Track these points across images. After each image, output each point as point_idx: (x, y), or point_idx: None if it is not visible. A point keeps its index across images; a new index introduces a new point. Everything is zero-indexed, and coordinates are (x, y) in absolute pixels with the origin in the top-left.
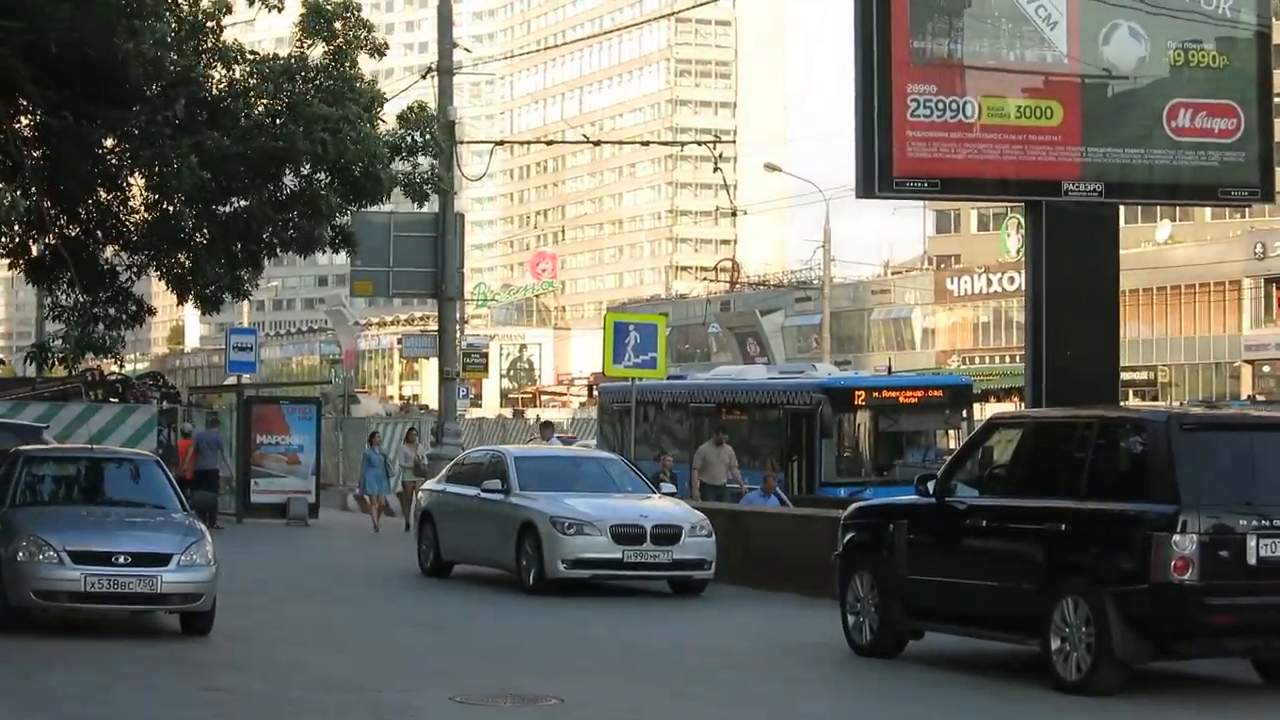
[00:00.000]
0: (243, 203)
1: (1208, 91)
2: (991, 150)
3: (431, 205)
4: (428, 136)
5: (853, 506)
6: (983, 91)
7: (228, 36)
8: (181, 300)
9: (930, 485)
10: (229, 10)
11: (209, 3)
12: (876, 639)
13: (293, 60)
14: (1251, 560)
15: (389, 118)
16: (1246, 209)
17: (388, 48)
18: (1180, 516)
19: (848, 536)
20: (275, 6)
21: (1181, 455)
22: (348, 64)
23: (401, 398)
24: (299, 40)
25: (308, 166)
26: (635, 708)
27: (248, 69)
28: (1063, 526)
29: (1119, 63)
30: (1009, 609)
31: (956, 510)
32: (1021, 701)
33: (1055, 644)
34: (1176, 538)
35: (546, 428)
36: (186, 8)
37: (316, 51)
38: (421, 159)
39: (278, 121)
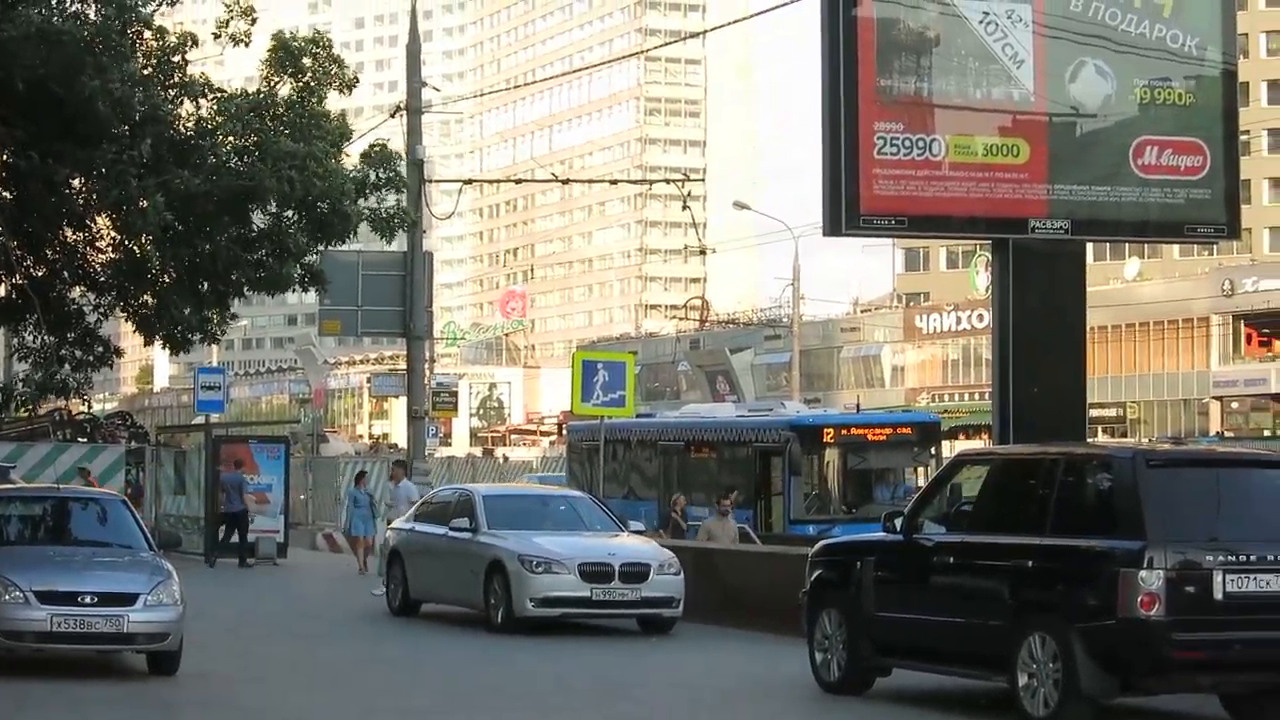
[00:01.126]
0: (210, 244)
1: (1175, 129)
2: (959, 188)
3: (400, 244)
4: (391, 174)
5: (820, 544)
6: (950, 130)
7: (194, 71)
8: (148, 341)
9: (898, 522)
10: (196, 44)
11: (175, 38)
12: (844, 676)
13: (260, 96)
14: (1218, 596)
15: (355, 154)
16: (1214, 246)
17: (358, 81)
18: (1147, 553)
19: (815, 574)
20: (242, 41)
21: (1148, 492)
22: (315, 100)
23: (371, 437)
24: (266, 76)
25: (275, 204)
26: None
27: (215, 106)
28: (1030, 563)
29: (1086, 101)
30: (976, 645)
31: (924, 547)
32: None
33: (1023, 680)
34: (1143, 574)
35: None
36: (154, 45)
37: (285, 89)
38: (388, 196)
39: (245, 159)
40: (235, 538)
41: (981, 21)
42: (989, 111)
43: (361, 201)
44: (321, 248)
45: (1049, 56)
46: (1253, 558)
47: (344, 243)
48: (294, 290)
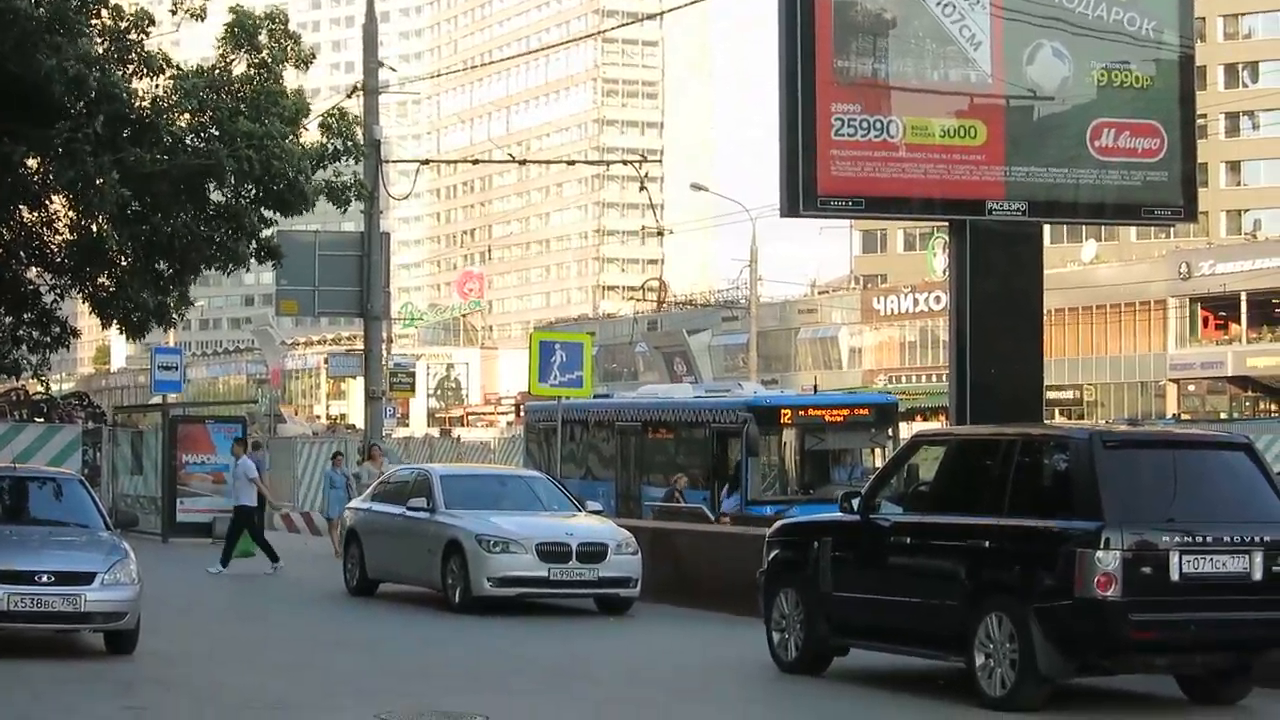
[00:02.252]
0: (166, 221)
1: (1131, 112)
2: (916, 170)
3: (357, 224)
4: (350, 143)
5: (777, 524)
6: (907, 111)
7: (150, 46)
8: (105, 325)
9: (854, 502)
10: (152, 22)
11: (131, 16)
12: (801, 656)
13: (216, 73)
14: (1174, 576)
15: (312, 130)
16: (1171, 230)
17: (315, 57)
18: (1104, 533)
19: (772, 554)
20: (197, 15)
21: (1105, 472)
22: (271, 77)
23: (328, 417)
24: (223, 53)
25: (232, 182)
26: None
27: (170, 83)
28: (986, 543)
29: (1043, 83)
30: (933, 625)
31: (881, 527)
32: (945, 718)
33: (979, 660)
34: (1100, 554)
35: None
36: (110, 23)
37: (240, 66)
38: (344, 167)
39: (201, 136)
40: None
41: (939, 3)
42: (946, 94)
43: (319, 174)
44: (277, 219)
45: (1006, 39)
46: (1209, 539)
47: (300, 214)
48: (249, 268)
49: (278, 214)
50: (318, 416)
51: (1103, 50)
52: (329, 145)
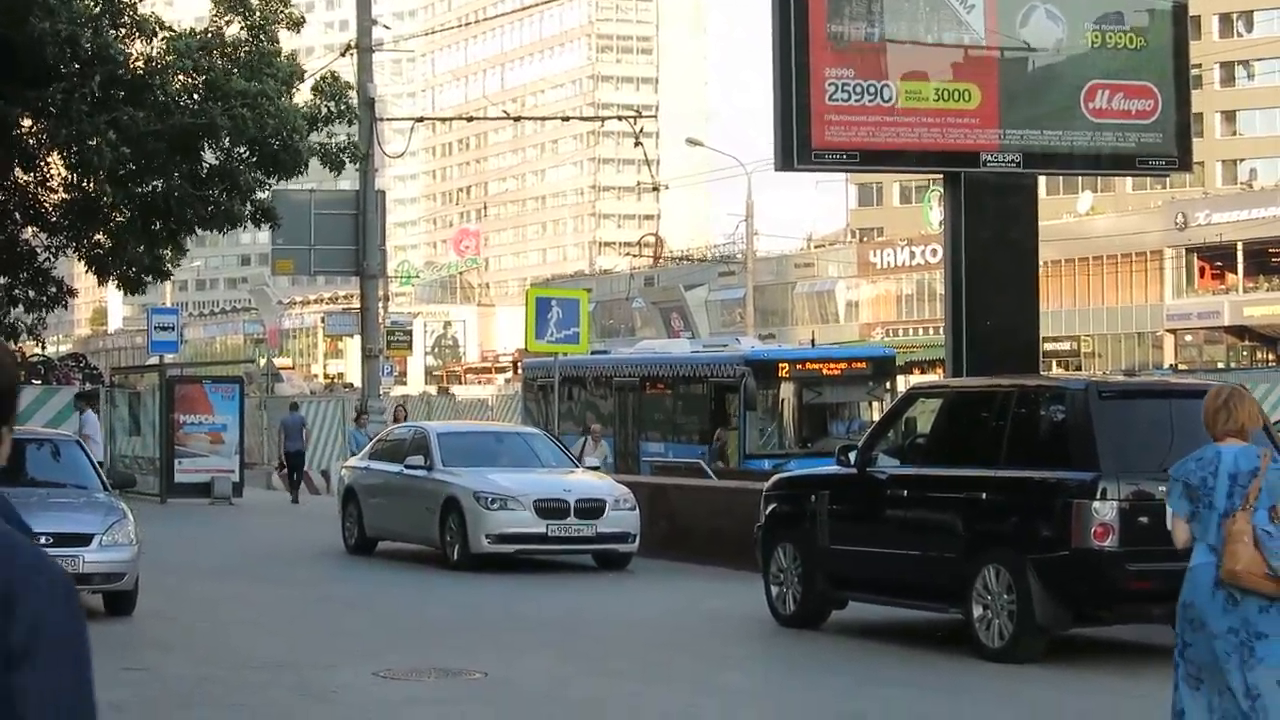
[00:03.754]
0: (161, 181)
1: (1125, 72)
2: (910, 133)
3: (352, 183)
4: (343, 106)
5: (775, 478)
6: (901, 74)
7: (144, 10)
8: (102, 281)
9: (851, 456)
10: None
11: None
12: (800, 609)
13: (209, 35)
14: (1171, 526)
15: (305, 91)
16: (1167, 180)
17: (304, 21)
18: (1100, 483)
19: (770, 508)
20: None
21: (1100, 423)
22: (265, 38)
23: (326, 376)
24: (215, 15)
25: (227, 142)
26: (559, 681)
27: (164, 45)
28: (983, 495)
29: (1037, 45)
30: (931, 578)
31: (878, 480)
32: (944, 669)
33: (977, 612)
34: (1096, 504)
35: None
36: None
37: (233, 28)
38: (338, 129)
39: (195, 98)
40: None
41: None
42: (942, 47)
43: (313, 136)
44: (273, 183)
45: (1000, 4)
46: None
47: (295, 178)
48: (245, 228)
49: (273, 176)
50: (315, 375)
51: (1095, 7)
52: (322, 107)
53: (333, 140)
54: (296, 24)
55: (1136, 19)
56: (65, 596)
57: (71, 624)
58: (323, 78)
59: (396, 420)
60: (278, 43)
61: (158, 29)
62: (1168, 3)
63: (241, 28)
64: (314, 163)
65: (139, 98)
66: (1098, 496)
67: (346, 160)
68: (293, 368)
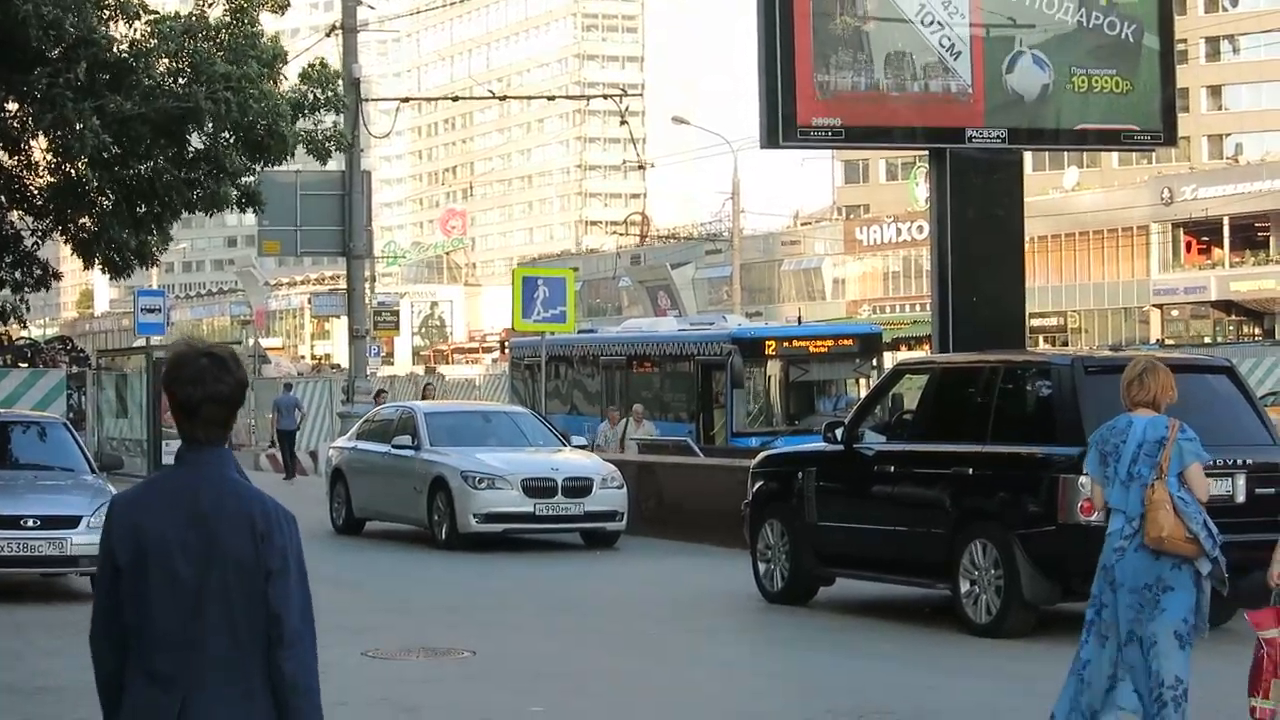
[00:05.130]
0: (146, 165)
1: (1112, 116)
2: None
3: (338, 164)
4: (330, 93)
5: (762, 455)
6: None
7: None
8: (87, 265)
9: (838, 432)
10: None
11: None
12: (788, 586)
13: (193, 19)
14: None
15: (291, 76)
16: (1153, 155)
17: (289, 4)
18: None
19: (757, 485)
20: None
21: (1086, 398)
22: (248, 21)
23: (314, 357)
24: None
25: (211, 126)
26: (548, 658)
27: (148, 29)
28: (970, 470)
29: (1022, 91)
30: (918, 553)
31: (864, 456)
32: (932, 645)
33: (964, 587)
34: (1083, 479)
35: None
36: None
37: (217, 10)
38: (324, 116)
39: (180, 81)
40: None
41: (918, 14)
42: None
43: (299, 123)
44: (258, 168)
45: (987, 47)
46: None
47: (281, 164)
48: (231, 210)
49: (259, 161)
50: (302, 356)
51: (1082, 49)
52: (308, 94)
53: (319, 128)
54: (281, 6)
55: (1123, 67)
56: (295, 533)
57: (300, 552)
58: (311, 64)
59: (378, 403)
60: (259, 24)
61: (141, 12)
62: (1154, 57)
63: (225, 10)
64: (299, 145)
65: (123, 81)
66: (1084, 471)
67: (332, 149)
68: (283, 349)
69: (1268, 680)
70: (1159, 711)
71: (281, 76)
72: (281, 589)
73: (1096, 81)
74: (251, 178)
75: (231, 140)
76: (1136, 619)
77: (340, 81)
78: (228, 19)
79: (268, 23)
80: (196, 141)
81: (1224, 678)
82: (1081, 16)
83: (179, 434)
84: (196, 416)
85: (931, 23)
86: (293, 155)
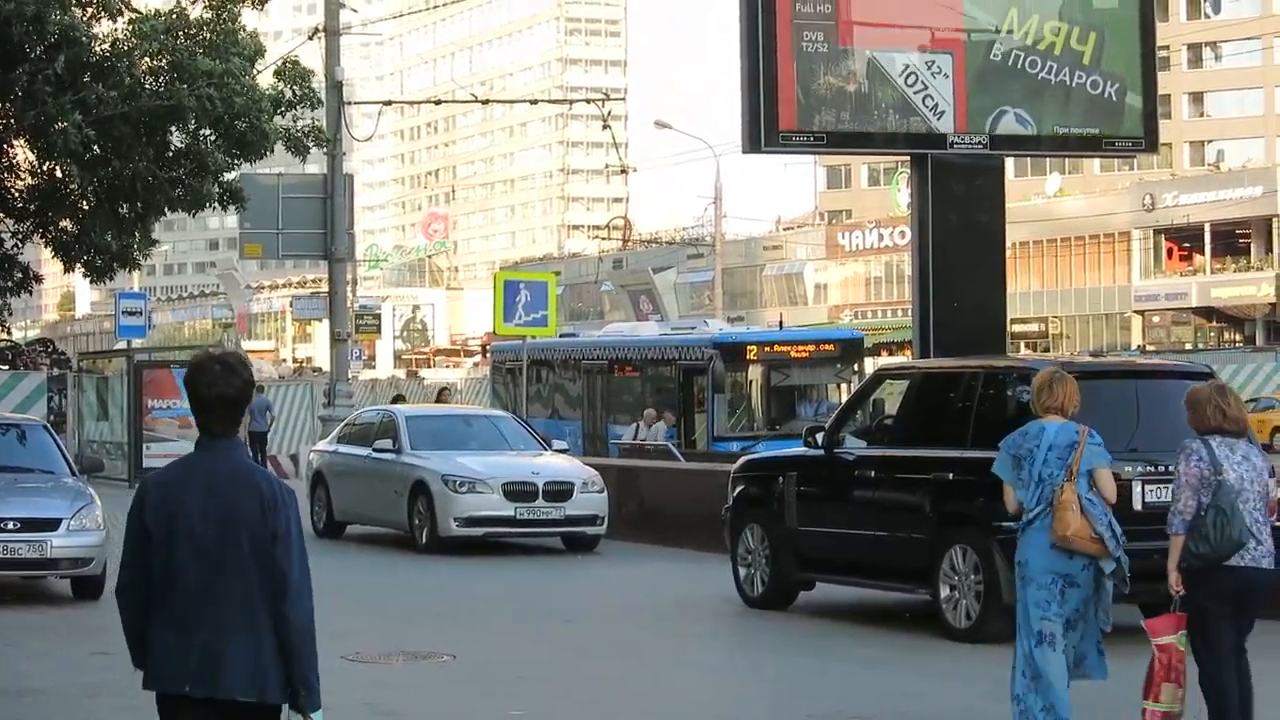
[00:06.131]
0: (128, 164)
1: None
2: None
3: (320, 166)
4: (306, 89)
5: (742, 460)
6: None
7: None
8: (68, 268)
9: (819, 437)
10: None
11: None
12: (768, 591)
13: (174, 16)
14: (1138, 506)
15: (268, 73)
16: (1134, 162)
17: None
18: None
19: (738, 490)
20: None
21: None
22: (229, 17)
23: (295, 360)
24: None
25: (194, 122)
26: (529, 662)
27: (129, 26)
28: (950, 476)
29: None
30: (898, 559)
31: (845, 461)
32: (912, 650)
33: (944, 592)
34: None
35: (445, 391)
36: None
37: (198, 8)
38: (301, 113)
39: (161, 79)
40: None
41: (901, 74)
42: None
43: (278, 119)
44: (240, 164)
45: (970, 107)
46: (1171, 468)
47: (262, 159)
48: (213, 208)
49: (239, 159)
50: (284, 360)
51: (1062, 110)
52: (285, 91)
53: (297, 124)
54: (261, 2)
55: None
56: (295, 503)
57: (299, 520)
58: (284, 62)
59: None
60: (240, 20)
61: (123, 8)
62: (1138, 101)
63: (206, 8)
64: (281, 147)
65: (105, 79)
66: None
67: (311, 145)
68: (273, 352)
69: (1159, 684)
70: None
71: (259, 72)
72: (285, 549)
73: (1077, 135)
74: (233, 174)
75: (213, 138)
76: (1049, 608)
77: (315, 78)
78: (209, 15)
79: (250, 22)
80: (177, 140)
81: (1123, 681)
82: (1065, 76)
83: (198, 426)
84: (212, 412)
85: (915, 83)
86: (273, 151)
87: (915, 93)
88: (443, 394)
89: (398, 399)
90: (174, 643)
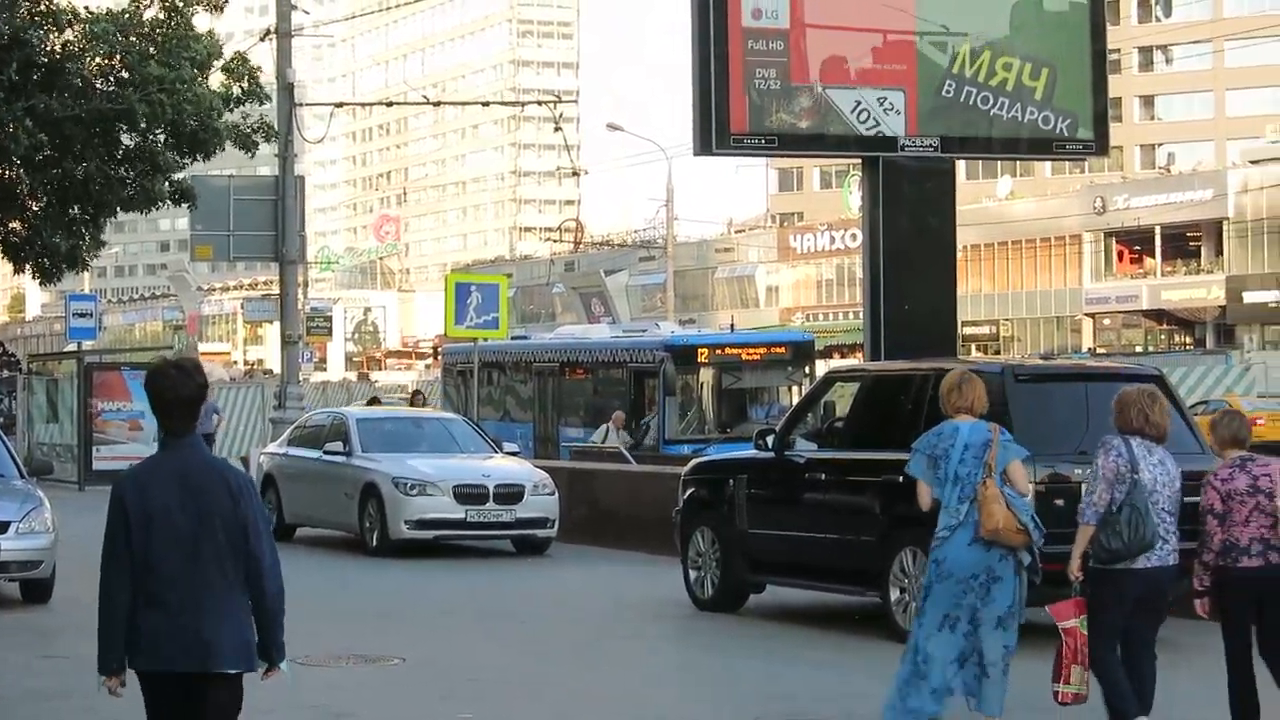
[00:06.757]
0: (79, 165)
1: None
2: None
3: (272, 168)
4: (254, 87)
5: (693, 462)
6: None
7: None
8: (18, 270)
9: (769, 440)
10: None
11: None
12: (718, 594)
13: (126, 16)
14: None
15: (217, 71)
16: (1085, 165)
17: (225, 3)
18: None
19: (688, 492)
20: None
21: (1016, 406)
22: (183, 21)
23: (246, 363)
24: None
25: (144, 125)
26: (479, 665)
27: (81, 29)
28: (900, 478)
29: None
30: (848, 561)
31: (795, 464)
32: (861, 652)
33: (894, 595)
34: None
35: (417, 395)
36: None
37: (152, 10)
38: (251, 109)
39: (112, 80)
40: None
41: (854, 110)
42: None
43: (227, 116)
44: (190, 162)
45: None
46: None
47: (212, 157)
48: (163, 206)
49: (190, 158)
50: (235, 362)
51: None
52: (233, 88)
53: (246, 120)
54: (217, 5)
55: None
56: (257, 492)
57: (262, 507)
58: (231, 59)
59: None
60: (193, 26)
61: (72, 20)
62: (1089, 134)
63: (160, 9)
64: (231, 146)
65: (55, 82)
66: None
67: (260, 140)
68: (227, 354)
69: (1068, 667)
70: (981, 686)
71: (212, 73)
72: (255, 535)
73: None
74: (183, 173)
75: (164, 138)
76: (961, 605)
77: (261, 75)
78: (162, 18)
79: (203, 24)
80: (128, 139)
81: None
82: (1016, 112)
83: (160, 427)
84: (172, 413)
85: (868, 119)
86: (223, 148)
87: (868, 130)
88: (415, 397)
89: (373, 401)
90: (160, 626)
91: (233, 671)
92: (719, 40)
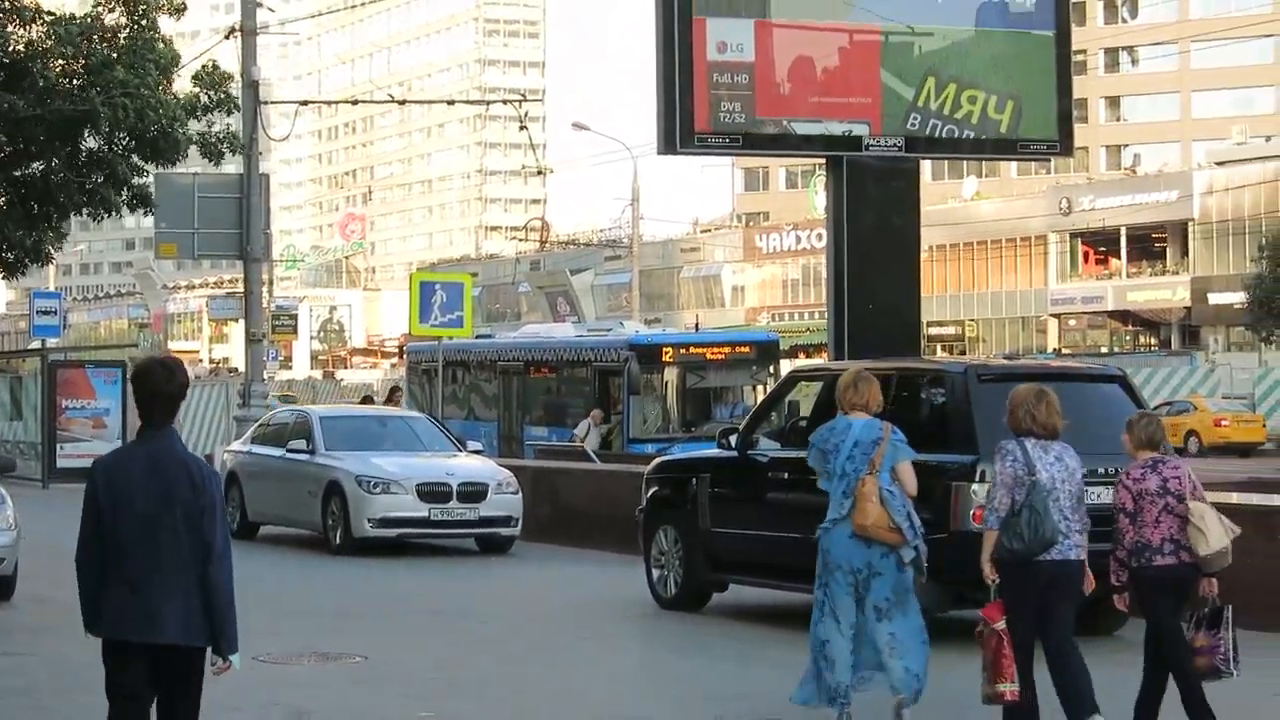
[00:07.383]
0: (40, 164)
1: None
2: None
3: (236, 166)
4: (222, 94)
5: (656, 461)
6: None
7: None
8: None
9: (732, 439)
10: None
11: None
12: (681, 592)
13: (90, 20)
14: None
15: (185, 77)
16: (1051, 165)
17: (185, 8)
18: (979, 466)
19: (651, 491)
20: None
21: (980, 406)
22: (146, 24)
23: (211, 361)
24: (98, 1)
25: (106, 129)
26: (440, 663)
27: (45, 30)
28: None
29: None
30: (811, 560)
31: (758, 463)
32: None
33: None
34: (975, 487)
35: (396, 391)
36: None
37: (116, 14)
38: (217, 118)
39: (75, 82)
40: None
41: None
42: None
43: (192, 124)
44: (152, 169)
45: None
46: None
47: (174, 165)
48: (119, 214)
49: (152, 163)
50: (200, 360)
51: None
52: (201, 97)
53: (212, 129)
54: (178, 10)
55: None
56: (219, 484)
57: (223, 498)
58: (202, 66)
59: (392, 403)
60: (158, 30)
61: (36, 17)
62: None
63: (123, 13)
64: (195, 150)
65: (18, 82)
66: (976, 479)
67: (226, 150)
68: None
69: (1010, 665)
70: (887, 669)
71: (177, 78)
72: (210, 523)
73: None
74: (144, 179)
75: (126, 143)
76: (850, 594)
77: (233, 83)
78: (125, 22)
79: (166, 26)
80: (91, 143)
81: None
82: (984, 135)
83: (141, 418)
84: (155, 406)
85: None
86: (185, 156)
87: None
88: (394, 393)
89: (366, 399)
90: (121, 599)
91: (183, 644)
92: (683, 37)
